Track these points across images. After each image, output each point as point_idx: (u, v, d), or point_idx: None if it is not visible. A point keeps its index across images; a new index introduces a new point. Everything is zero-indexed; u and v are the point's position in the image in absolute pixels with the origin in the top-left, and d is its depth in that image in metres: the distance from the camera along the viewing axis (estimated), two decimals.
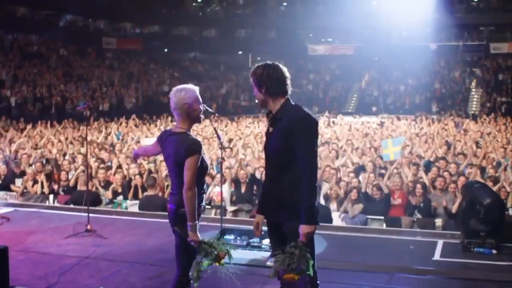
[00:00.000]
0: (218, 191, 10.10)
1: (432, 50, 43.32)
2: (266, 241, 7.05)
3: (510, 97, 38.37)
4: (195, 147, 4.65)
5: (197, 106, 4.77)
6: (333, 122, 26.78)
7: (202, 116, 4.89)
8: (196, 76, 44.90)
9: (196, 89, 4.82)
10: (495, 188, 10.15)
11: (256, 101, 4.51)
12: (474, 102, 39.64)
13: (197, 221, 4.59)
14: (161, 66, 44.89)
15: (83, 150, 14.53)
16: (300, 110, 4.29)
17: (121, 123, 22.72)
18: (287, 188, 4.24)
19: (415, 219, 10.10)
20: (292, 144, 4.18)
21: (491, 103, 37.96)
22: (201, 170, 4.73)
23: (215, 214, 10.41)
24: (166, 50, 48.17)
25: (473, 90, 40.99)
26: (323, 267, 4.29)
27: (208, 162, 4.93)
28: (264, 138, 4.61)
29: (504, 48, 42.67)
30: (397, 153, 12.86)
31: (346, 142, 16.41)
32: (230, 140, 17.00)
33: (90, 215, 8.67)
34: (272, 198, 4.35)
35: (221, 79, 45.35)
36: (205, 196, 4.94)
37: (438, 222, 9.95)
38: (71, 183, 11.84)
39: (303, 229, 4.11)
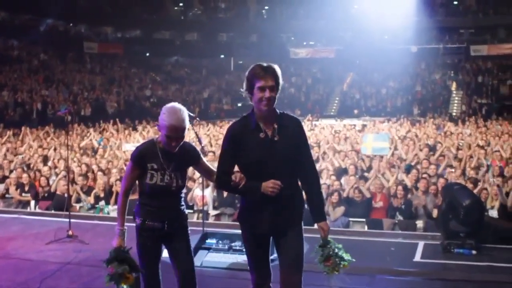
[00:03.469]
0: (201, 195, 10.10)
1: (413, 53, 43.57)
2: None
3: (490, 99, 38.70)
4: (132, 153, 4.72)
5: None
6: (314, 125, 26.82)
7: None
8: (178, 80, 44.86)
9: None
10: (475, 190, 10.26)
11: (267, 107, 4.22)
12: (455, 104, 39.89)
13: (121, 227, 4.57)
14: (142, 71, 44.74)
15: (64, 155, 14.47)
16: (291, 114, 4.46)
17: (103, 129, 22.64)
18: (294, 194, 4.34)
19: (397, 221, 10.18)
20: (300, 150, 4.35)
21: (471, 105, 38.24)
22: (143, 184, 4.64)
23: (198, 218, 10.42)
24: (147, 54, 48.05)
25: (454, 92, 41.27)
26: (305, 270, 4.31)
27: (168, 182, 4.62)
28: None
29: (484, 50, 43.03)
30: (376, 148, 12.90)
31: (328, 145, 16.47)
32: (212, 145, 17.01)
33: (72, 220, 8.64)
34: (276, 207, 4.27)
35: (203, 83, 45.29)
36: (156, 215, 4.64)
37: (419, 223, 10.04)
38: (53, 189, 11.80)
39: (327, 225, 4.42)
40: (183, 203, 4.83)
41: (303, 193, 4.46)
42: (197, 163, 4.87)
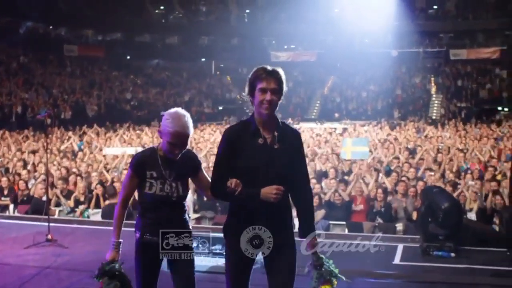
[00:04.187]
0: None
1: (393, 57, 43.77)
2: None
3: (469, 103, 39.01)
4: (131, 161, 4.47)
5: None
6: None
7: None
8: (159, 83, 44.71)
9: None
10: (455, 193, 10.36)
11: (267, 111, 4.04)
12: (435, 108, 40.17)
13: (116, 240, 4.34)
14: (123, 74, 44.54)
15: (44, 158, 14.38)
16: (291, 125, 4.36)
17: (83, 133, 22.51)
18: (287, 206, 4.15)
19: (377, 224, 10.24)
20: (297, 162, 4.16)
21: (451, 108, 38.54)
22: (142, 194, 4.38)
23: None
24: (128, 57, 47.86)
25: (434, 96, 41.58)
26: None
27: (168, 192, 4.35)
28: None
29: (463, 54, 43.38)
30: (355, 153, 12.94)
31: (310, 149, 16.50)
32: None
33: (51, 224, 8.59)
34: (270, 218, 4.02)
35: (184, 86, 45.20)
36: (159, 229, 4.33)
37: (399, 226, 10.12)
38: (32, 192, 11.72)
39: (316, 239, 4.20)
40: (186, 216, 4.53)
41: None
42: (196, 173, 4.55)
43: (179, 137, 4.26)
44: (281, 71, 4.11)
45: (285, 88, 4.13)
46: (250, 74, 4.12)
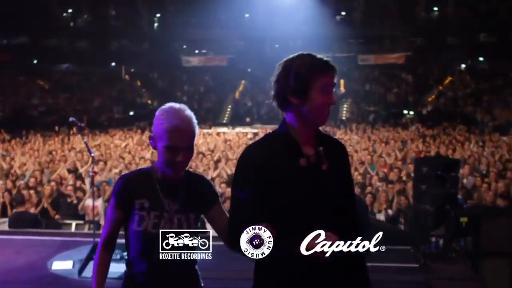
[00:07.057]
0: (92, 205, 9.94)
1: None
2: None
3: (377, 107, 40.16)
4: (114, 185, 3.14)
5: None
6: (208, 133, 26.89)
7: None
8: (68, 88, 43.77)
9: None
10: (363, 195, 10.68)
11: (326, 119, 3.02)
12: (344, 112, 41.13)
13: None
14: (30, 78, 43.33)
15: None
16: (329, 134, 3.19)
17: None
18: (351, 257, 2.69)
19: None
20: (350, 187, 2.97)
21: (360, 112, 39.57)
22: (127, 232, 3.06)
23: (89, 229, 10.24)
24: (35, 61, 46.62)
25: (343, 100, 42.55)
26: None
27: (155, 224, 2.97)
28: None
29: (371, 59, 44.81)
30: None
31: (221, 153, 16.58)
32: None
33: None
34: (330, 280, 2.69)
35: (94, 92, 44.41)
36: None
37: None
38: None
39: None
40: (196, 267, 3.20)
41: None
42: (210, 206, 3.15)
43: (180, 135, 2.93)
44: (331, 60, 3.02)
45: None
46: (294, 64, 3.02)
